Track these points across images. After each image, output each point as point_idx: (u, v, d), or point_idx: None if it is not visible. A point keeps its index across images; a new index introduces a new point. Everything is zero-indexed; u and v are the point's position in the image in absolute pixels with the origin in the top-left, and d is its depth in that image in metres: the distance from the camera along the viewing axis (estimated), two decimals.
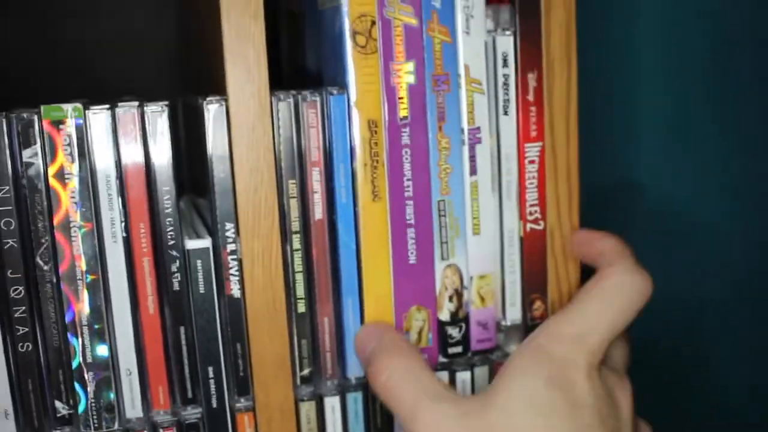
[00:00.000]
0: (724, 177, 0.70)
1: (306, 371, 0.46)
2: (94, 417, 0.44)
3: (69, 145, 0.41)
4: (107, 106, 0.42)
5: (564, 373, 0.39)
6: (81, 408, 0.44)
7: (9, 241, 0.41)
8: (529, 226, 0.49)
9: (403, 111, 0.46)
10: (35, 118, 0.41)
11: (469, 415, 0.39)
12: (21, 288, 0.42)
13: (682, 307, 0.72)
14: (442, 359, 0.49)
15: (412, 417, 0.39)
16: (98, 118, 0.42)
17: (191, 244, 0.44)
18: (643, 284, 0.42)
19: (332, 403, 0.47)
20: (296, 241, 0.45)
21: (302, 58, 0.55)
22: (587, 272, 0.46)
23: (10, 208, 0.41)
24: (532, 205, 0.49)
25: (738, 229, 0.70)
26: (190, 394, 0.45)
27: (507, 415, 0.38)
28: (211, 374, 0.45)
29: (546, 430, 0.38)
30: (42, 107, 0.41)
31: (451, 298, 0.48)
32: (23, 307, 0.42)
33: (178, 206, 0.43)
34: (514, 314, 0.50)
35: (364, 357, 0.45)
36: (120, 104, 0.42)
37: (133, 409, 0.44)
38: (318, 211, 0.45)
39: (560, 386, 0.39)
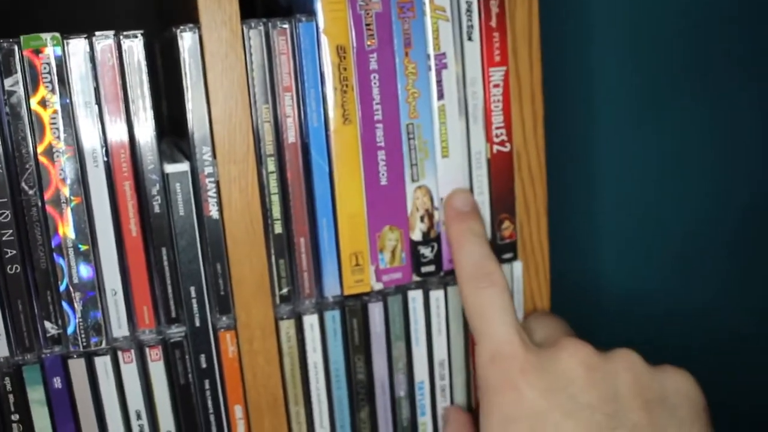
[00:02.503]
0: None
1: (284, 290, 0.48)
2: (83, 336, 0.46)
3: (49, 73, 0.43)
4: (85, 35, 0.44)
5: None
6: (70, 328, 0.46)
7: None
8: (495, 148, 0.51)
9: (370, 38, 0.47)
10: (15, 47, 0.43)
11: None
12: (7, 212, 0.44)
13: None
14: (415, 278, 0.50)
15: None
16: (76, 46, 0.43)
17: (170, 168, 0.46)
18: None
19: (311, 321, 0.49)
20: (271, 164, 0.47)
21: None
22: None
23: None
24: (498, 128, 0.51)
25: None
26: (173, 314, 0.47)
27: None
28: (193, 294, 0.47)
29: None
30: (21, 37, 0.43)
31: (422, 219, 0.50)
32: (10, 231, 0.44)
33: (158, 131, 0.45)
34: None
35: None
36: (97, 33, 0.44)
37: (120, 328, 0.46)
38: (291, 135, 0.47)
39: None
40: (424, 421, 0.53)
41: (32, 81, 0.43)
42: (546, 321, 0.48)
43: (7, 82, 0.43)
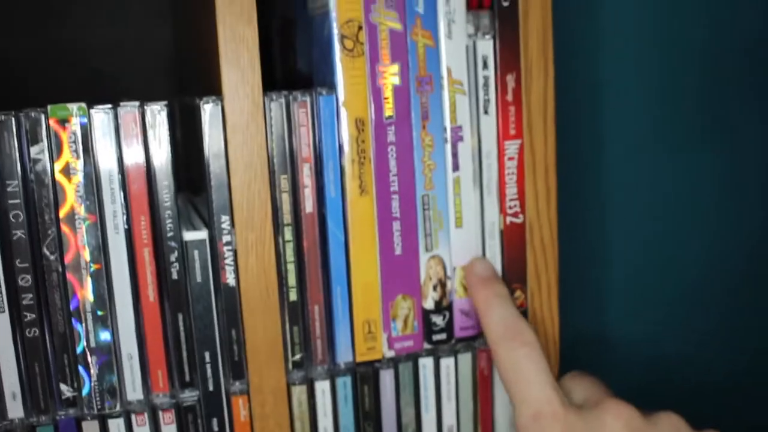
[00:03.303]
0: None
1: (297, 356, 0.49)
2: (97, 399, 0.46)
3: (74, 142, 0.44)
4: (110, 105, 0.45)
5: None
6: (85, 390, 0.46)
7: (17, 232, 0.44)
8: (509, 219, 0.52)
9: (388, 110, 0.48)
10: (42, 116, 0.44)
11: None
12: (28, 276, 0.45)
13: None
14: (426, 345, 0.51)
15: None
16: (101, 116, 0.44)
17: (189, 235, 0.46)
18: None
19: (322, 387, 0.50)
20: (288, 233, 0.48)
21: (294, 63, 0.58)
22: None
23: (18, 201, 0.44)
24: (511, 200, 0.51)
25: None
26: (187, 378, 0.48)
27: None
28: (207, 359, 0.47)
29: None
30: (49, 106, 0.44)
31: (435, 288, 0.51)
32: (30, 295, 0.45)
33: (177, 201, 0.46)
34: None
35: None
36: (122, 104, 0.45)
37: (134, 391, 0.47)
38: (308, 205, 0.48)
39: None
40: None
41: (57, 149, 0.44)
42: (584, 381, 0.47)
43: (33, 150, 0.44)
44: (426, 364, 0.51)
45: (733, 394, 0.78)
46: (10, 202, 0.44)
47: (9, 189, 0.43)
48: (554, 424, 0.42)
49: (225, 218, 0.47)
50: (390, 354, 0.50)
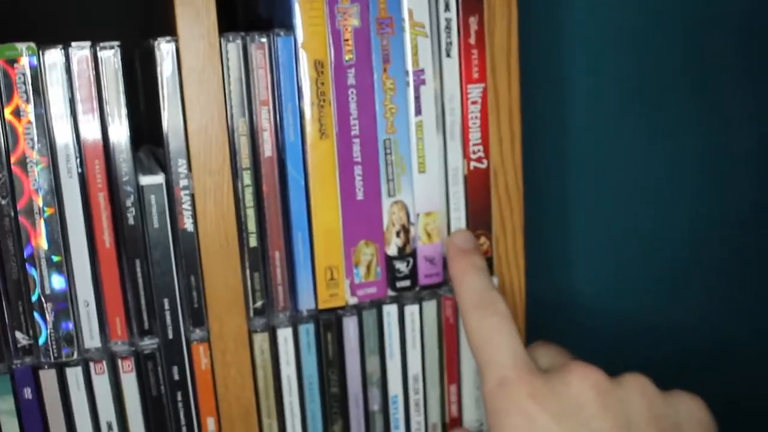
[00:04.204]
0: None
1: (258, 303, 0.48)
2: (54, 347, 0.46)
3: (24, 83, 0.43)
4: (61, 45, 0.43)
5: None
6: (41, 339, 0.45)
7: None
8: (472, 164, 0.51)
9: (348, 53, 0.48)
10: None
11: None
12: None
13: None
14: (390, 293, 0.51)
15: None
16: (52, 56, 0.43)
17: (145, 180, 0.46)
18: None
19: (285, 335, 0.49)
20: (247, 178, 0.47)
21: (256, 7, 0.57)
22: None
23: None
24: (475, 145, 0.51)
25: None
26: (146, 326, 0.47)
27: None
28: (166, 306, 0.47)
29: None
30: None
31: (398, 234, 0.50)
32: None
33: (132, 144, 0.45)
34: None
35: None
36: (74, 44, 0.44)
37: (92, 339, 0.46)
38: (267, 149, 0.47)
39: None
40: None
41: (6, 91, 0.43)
42: (550, 348, 0.46)
43: None
44: (390, 311, 0.51)
45: (703, 357, 0.78)
46: None
47: None
48: (520, 388, 0.41)
49: (182, 162, 0.46)
50: (353, 301, 0.50)
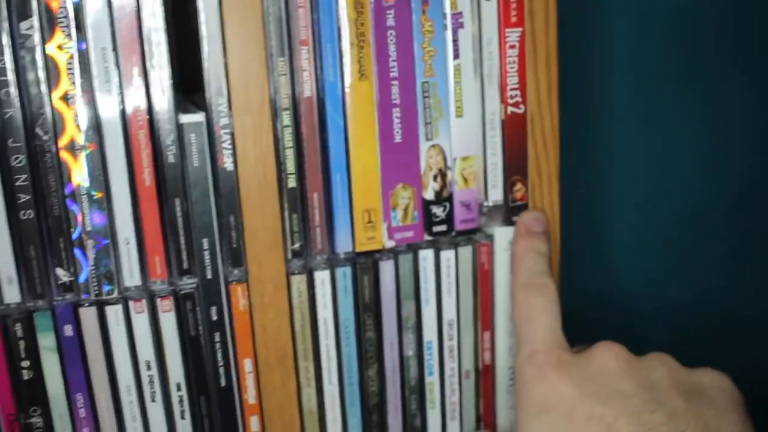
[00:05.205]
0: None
1: (296, 245, 0.48)
2: (95, 284, 0.46)
3: (66, 17, 0.43)
4: None
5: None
6: (82, 276, 0.46)
7: (8, 110, 0.43)
8: (510, 109, 0.51)
9: None
10: None
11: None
12: (22, 157, 0.44)
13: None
14: (427, 237, 0.50)
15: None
16: None
17: (185, 118, 0.45)
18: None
19: (322, 277, 0.49)
20: (286, 118, 0.47)
21: None
22: None
23: (6, 78, 0.43)
24: (512, 89, 0.51)
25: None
26: (185, 265, 0.47)
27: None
28: (205, 246, 0.47)
29: None
30: None
31: (435, 178, 0.50)
32: (24, 176, 0.44)
33: (173, 80, 0.45)
34: (495, 196, 0.52)
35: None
36: None
37: (132, 277, 0.46)
38: (307, 89, 0.47)
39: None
40: (432, 380, 0.53)
41: (49, 25, 0.43)
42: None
43: (23, 26, 0.43)
44: (426, 256, 0.51)
45: (732, 338, 0.77)
46: (0, 78, 0.42)
47: None
48: (547, 359, 0.43)
49: (222, 101, 0.46)
50: (390, 244, 0.50)
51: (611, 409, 0.40)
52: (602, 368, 0.42)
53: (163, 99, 0.45)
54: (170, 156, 0.46)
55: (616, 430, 0.39)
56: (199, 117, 0.45)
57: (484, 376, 0.54)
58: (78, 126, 0.44)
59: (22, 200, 0.44)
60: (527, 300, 0.47)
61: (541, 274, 0.48)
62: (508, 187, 0.52)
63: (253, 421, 0.50)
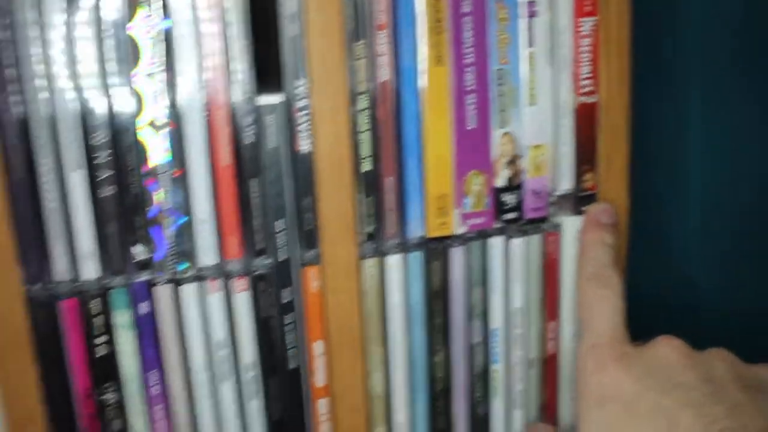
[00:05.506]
0: None
1: (370, 229, 0.49)
2: (170, 263, 0.46)
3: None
4: None
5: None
6: (158, 254, 0.46)
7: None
8: (582, 99, 0.51)
9: None
10: None
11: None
12: (103, 134, 0.44)
13: None
14: (497, 224, 0.51)
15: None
16: None
17: (263, 100, 0.46)
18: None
19: (393, 262, 0.49)
20: (363, 102, 0.47)
21: None
22: None
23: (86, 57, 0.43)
24: (585, 79, 0.51)
25: None
26: (260, 246, 0.47)
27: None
28: (280, 227, 0.47)
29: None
30: None
31: (507, 165, 0.50)
32: (105, 152, 0.44)
33: (252, 63, 0.45)
34: (565, 185, 0.52)
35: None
36: None
37: (207, 257, 0.47)
38: (384, 73, 0.47)
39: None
40: (497, 368, 0.53)
41: (130, 4, 0.43)
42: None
43: (105, 4, 0.43)
44: (496, 243, 0.51)
45: None
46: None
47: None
48: (609, 352, 0.43)
49: (300, 83, 0.46)
50: (462, 230, 0.50)
51: (673, 400, 0.40)
52: (663, 361, 0.42)
53: (242, 80, 0.45)
54: (248, 137, 0.46)
55: (678, 422, 0.39)
56: (277, 99, 0.46)
57: (549, 365, 0.54)
58: (158, 105, 0.44)
59: (102, 177, 0.44)
60: (594, 291, 0.47)
61: (607, 266, 0.48)
62: (577, 176, 0.52)
63: (321, 404, 0.50)
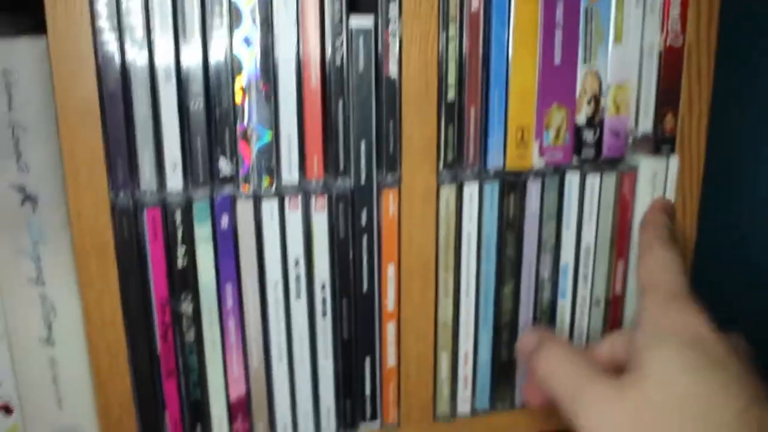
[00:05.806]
0: None
1: (450, 156, 0.49)
2: (254, 178, 0.47)
3: None
4: None
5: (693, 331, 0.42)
6: (243, 168, 0.47)
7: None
8: (668, 41, 0.50)
9: None
10: None
11: (626, 389, 0.41)
12: (196, 47, 0.44)
13: None
14: (575, 161, 0.51)
15: (573, 399, 0.42)
16: None
17: (355, 22, 0.46)
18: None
19: (471, 191, 0.49)
20: (452, 29, 0.47)
21: None
22: None
23: None
24: (673, 21, 0.50)
25: None
26: (341, 167, 0.48)
27: (663, 381, 0.40)
28: (362, 149, 0.47)
29: (703, 387, 0.39)
30: None
31: (589, 102, 0.50)
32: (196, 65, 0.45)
33: None
34: (645, 126, 0.51)
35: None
36: None
37: (290, 174, 0.47)
38: (475, 3, 0.47)
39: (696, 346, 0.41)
40: (563, 304, 0.53)
41: None
42: None
43: None
44: (572, 179, 0.51)
45: None
46: None
47: None
48: (682, 301, 0.44)
49: (393, 6, 0.46)
50: (540, 163, 0.50)
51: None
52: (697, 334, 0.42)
53: (336, 1, 0.45)
54: (337, 58, 0.46)
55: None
56: (368, 22, 0.46)
57: (614, 305, 0.54)
58: (253, 20, 0.44)
59: (192, 90, 0.45)
60: (664, 253, 0.46)
61: (669, 238, 0.48)
62: (657, 118, 0.51)
63: (390, 327, 0.51)
